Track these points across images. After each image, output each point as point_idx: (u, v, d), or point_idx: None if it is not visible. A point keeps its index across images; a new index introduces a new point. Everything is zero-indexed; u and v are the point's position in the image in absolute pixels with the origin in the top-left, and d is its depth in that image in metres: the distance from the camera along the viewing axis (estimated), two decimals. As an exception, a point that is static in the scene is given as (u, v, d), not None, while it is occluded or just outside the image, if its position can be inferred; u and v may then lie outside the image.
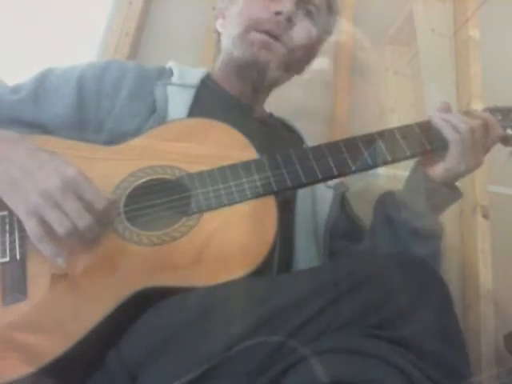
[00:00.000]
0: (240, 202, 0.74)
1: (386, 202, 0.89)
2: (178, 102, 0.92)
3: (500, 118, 0.89)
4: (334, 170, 0.78)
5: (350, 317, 0.56)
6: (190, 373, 0.54)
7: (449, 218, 0.88)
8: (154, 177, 0.77)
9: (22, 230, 0.69)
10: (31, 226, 0.65)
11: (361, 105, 1.45)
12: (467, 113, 0.88)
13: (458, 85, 1.49)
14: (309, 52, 1.03)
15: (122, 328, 0.62)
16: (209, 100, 0.97)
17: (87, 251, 0.69)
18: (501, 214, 1.35)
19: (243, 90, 1.00)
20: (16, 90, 0.91)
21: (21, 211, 0.66)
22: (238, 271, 0.67)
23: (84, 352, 0.62)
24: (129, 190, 0.75)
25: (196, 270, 0.69)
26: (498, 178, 1.38)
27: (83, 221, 0.66)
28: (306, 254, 0.92)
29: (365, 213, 1.06)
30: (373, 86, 1.49)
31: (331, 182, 0.99)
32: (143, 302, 0.64)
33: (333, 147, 0.80)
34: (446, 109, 0.86)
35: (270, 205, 0.74)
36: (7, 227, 0.71)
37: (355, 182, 1.13)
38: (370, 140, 0.82)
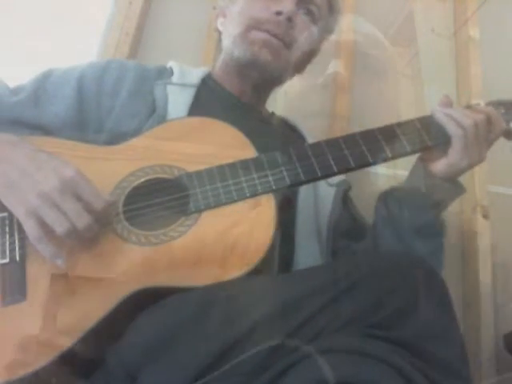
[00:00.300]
0: (239, 200, 0.74)
1: (387, 199, 0.89)
2: (177, 101, 0.92)
3: (503, 111, 0.88)
4: (334, 167, 0.78)
5: (348, 316, 0.56)
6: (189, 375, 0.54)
7: (449, 218, 0.88)
8: (153, 176, 0.77)
9: (21, 231, 0.69)
10: (30, 227, 0.66)
11: (361, 103, 1.45)
12: (469, 107, 0.88)
13: (458, 85, 1.49)
14: (310, 51, 1.03)
15: (120, 328, 0.62)
16: (209, 99, 0.97)
17: (86, 251, 0.69)
18: (501, 214, 1.35)
19: (244, 89, 1.00)
20: (16, 91, 0.91)
21: (20, 212, 0.67)
22: (237, 271, 0.67)
23: (82, 352, 0.62)
24: (128, 190, 0.75)
25: (194, 269, 0.69)
26: (498, 178, 1.38)
27: (82, 221, 0.66)
28: (308, 253, 0.92)
29: (368, 211, 1.06)
30: (373, 87, 1.49)
31: (333, 180, 0.99)
32: (142, 301, 0.64)
33: (332, 144, 0.80)
34: (448, 103, 0.86)
35: (268, 203, 0.74)
36: (7, 229, 0.71)
37: (358, 180, 1.13)
38: (369, 136, 0.81)
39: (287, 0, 0.94)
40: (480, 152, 0.81)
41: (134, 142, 0.82)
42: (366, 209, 1.06)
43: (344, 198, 1.01)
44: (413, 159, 0.88)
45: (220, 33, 1.06)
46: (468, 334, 1.23)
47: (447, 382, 0.53)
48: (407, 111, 1.43)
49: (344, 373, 0.50)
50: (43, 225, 0.65)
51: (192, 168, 0.77)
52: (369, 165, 0.80)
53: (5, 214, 0.71)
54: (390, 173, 1.30)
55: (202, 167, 0.77)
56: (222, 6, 1.06)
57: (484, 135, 0.81)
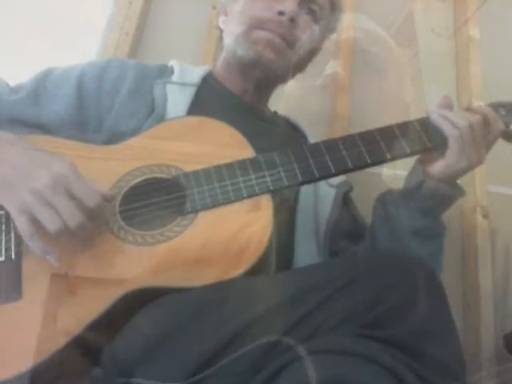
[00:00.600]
0: (236, 201, 0.74)
1: (385, 200, 0.88)
2: (177, 100, 0.91)
3: (504, 113, 0.87)
4: (332, 168, 0.78)
5: (342, 316, 0.56)
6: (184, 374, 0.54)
7: (449, 218, 0.88)
8: (151, 176, 0.77)
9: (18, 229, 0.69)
10: (21, 224, 0.66)
11: (362, 102, 1.45)
12: (468, 109, 0.87)
13: (458, 85, 1.49)
14: (311, 50, 1.03)
15: (116, 327, 0.63)
16: (210, 98, 0.97)
17: (80, 249, 0.69)
18: (501, 214, 1.35)
19: (246, 89, 1.00)
20: (16, 89, 0.91)
21: (12, 209, 0.67)
22: (233, 271, 0.67)
23: (77, 351, 0.63)
24: (125, 190, 0.75)
25: (191, 270, 0.69)
26: (498, 178, 1.38)
27: (74, 219, 0.66)
28: (307, 254, 0.92)
29: (367, 211, 1.06)
30: (373, 87, 1.49)
31: (334, 181, 0.98)
32: (137, 301, 0.64)
33: (331, 145, 0.80)
34: (447, 104, 0.85)
35: (265, 204, 0.74)
36: (3, 227, 0.71)
37: (357, 180, 1.13)
38: (368, 137, 0.81)
39: (289, 0, 0.94)
40: (478, 154, 0.81)
41: (132, 141, 0.82)
42: (365, 209, 1.06)
43: (345, 199, 1.00)
44: (412, 160, 0.88)
45: (221, 31, 1.06)
46: (468, 334, 1.23)
47: (441, 383, 0.53)
48: (407, 111, 1.43)
49: (336, 374, 0.50)
50: (35, 222, 0.65)
51: (189, 168, 0.77)
52: (367, 166, 0.80)
53: (1, 212, 0.72)
54: (389, 173, 1.30)
55: (199, 167, 0.77)
56: (223, 4, 1.06)
57: (481, 136, 0.81)
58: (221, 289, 0.63)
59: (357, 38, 1.52)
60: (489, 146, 0.84)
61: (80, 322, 0.63)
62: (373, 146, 0.79)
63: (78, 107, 0.89)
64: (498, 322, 1.21)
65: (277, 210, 0.74)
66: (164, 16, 1.50)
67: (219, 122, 0.82)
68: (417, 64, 1.51)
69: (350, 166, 0.78)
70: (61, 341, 0.62)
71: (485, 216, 1.31)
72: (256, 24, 0.94)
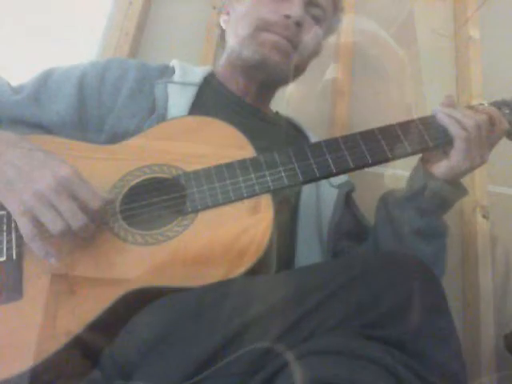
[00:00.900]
0: (236, 200, 0.73)
1: (388, 200, 0.88)
2: (178, 100, 0.91)
3: (507, 111, 0.87)
4: (332, 167, 0.77)
5: (342, 316, 0.56)
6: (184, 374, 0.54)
7: (449, 218, 0.88)
8: (151, 176, 0.77)
9: (19, 229, 0.69)
10: (24, 225, 0.66)
11: (362, 102, 1.45)
12: (471, 108, 0.87)
13: (458, 85, 1.49)
14: (314, 53, 1.03)
15: (115, 327, 0.63)
16: (211, 98, 0.97)
17: (81, 249, 0.69)
18: (501, 213, 1.35)
19: (249, 89, 1.00)
20: (18, 90, 0.91)
21: (14, 210, 0.67)
22: (234, 271, 0.67)
23: (77, 351, 0.63)
24: (125, 190, 0.75)
25: (190, 270, 0.69)
26: (498, 178, 1.38)
27: (77, 220, 0.66)
28: (309, 254, 0.91)
29: (367, 210, 1.06)
30: (373, 87, 1.49)
31: (336, 181, 0.99)
32: (138, 301, 0.64)
33: (332, 144, 0.79)
34: (450, 104, 0.85)
35: (266, 204, 0.74)
36: (5, 227, 0.71)
37: (357, 179, 1.13)
38: (370, 136, 0.80)
39: (295, 3, 0.94)
40: (482, 154, 0.81)
41: (133, 141, 0.82)
42: (365, 208, 1.06)
43: (347, 200, 1.01)
44: (414, 159, 0.88)
45: (222, 30, 1.06)
46: (468, 334, 1.23)
47: (441, 383, 0.53)
48: (407, 112, 1.43)
49: (335, 375, 0.49)
50: (37, 223, 0.66)
51: (190, 167, 0.77)
52: (368, 165, 0.79)
53: (3, 213, 0.72)
54: (389, 173, 1.30)
55: (200, 167, 0.77)
56: (224, 3, 1.06)
57: (486, 136, 0.80)
58: (221, 289, 0.63)
59: (356, 42, 1.52)
60: (492, 145, 0.84)
61: (80, 321, 0.63)
62: (374, 145, 0.79)
63: (80, 107, 0.89)
64: (498, 322, 1.21)
65: (278, 210, 0.74)
66: (164, 16, 1.50)
67: (220, 122, 0.82)
68: (417, 64, 1.51)
69: (351, 165, 0.78)
70: (61, 341, 0.62)
71: (485, 216, 1.31)
72: (263, 26, 0.94)
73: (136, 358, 0.58)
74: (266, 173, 0.76)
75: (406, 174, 0.91)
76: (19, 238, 0.69)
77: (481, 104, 0.89)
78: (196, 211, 0.73)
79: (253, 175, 0.75)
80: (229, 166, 0.76)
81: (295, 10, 0.93)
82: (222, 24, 1.05)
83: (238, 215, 0.73)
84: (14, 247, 0.70)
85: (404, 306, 0.56)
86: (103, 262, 0.69)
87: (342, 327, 0.55)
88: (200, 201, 0.73)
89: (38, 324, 0.64)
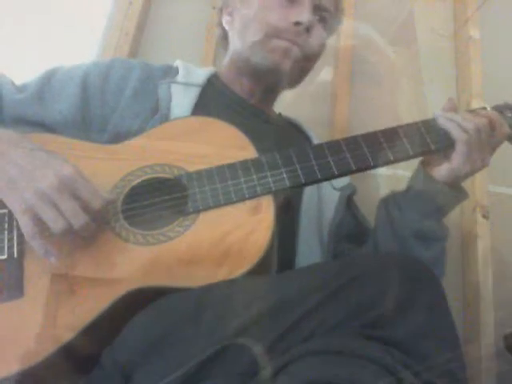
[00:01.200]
0: (237, 201, 0.73)
1: (388, 203, 0.88)
2: (181, 100, 0.92)
3: (510, 115, 0.87)
4: (334, 169, 0.77)
5: (341, 316, 0.56)
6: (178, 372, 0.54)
7: (449, 218, 0.88)
8: (153, 176, 0.77)
9: (20, 228, 0.69)
10: (25, 223, 0.66)
11: (361, 106, 1.45)
12: (472, 111, 0.87)
13: (458, 85, 1.49)
14: (319, 55, 1.03)
15: (116, 327, 0.63)
16: (214, 99, 0.97)
17: (83, 249, 0.69)
18: (501, 214, 1.35)
19: (253, 91, 1.00)
20: (21, 88, 0.92)
21: (16, 208, 0.67)
22: (234, 272, 0.67)
23: (77, 351, 0.63)
24: (127, 189, 0.75)
25: (191, 270, 0.69)
26: (498, 178, 1.38)
27: (79, 220, 0.66)
28: (309, 255, 0.92)
29: (367, 210, 1.06)
30: (373, 87, 1.49)
31: (338, 184, 0.99)
32: (138, 301, 0.64)
33: (334, 146, 0.79)
34: (452, 107, 0.85)
35: (268, 205, 0.74)
36: (6, 225, 0.72)
37: (357, 180, 1.13)
38: (371, 139, 0.80)
39: (304, 9, 0.94)
40: (483, 157, 0.81)
41: (135, 141, 0.82)
42: (365, 208, 1.06)
43: (348, 202, 1.01)
44: (415, 159, 0.88)
45: (224, 30, 1.06)
46: (468, 334, 1.23)
47: (441, 382, 0.53)
48: (407, 112, 1.43)
49: (335, 374, 0.49)
50: (38, 222, 0.66)
51: (192, 168, 0.77)
52: (370, 168, 0.79)
53: (4, 211, 0.72)
54: (389, 173, 1.30)
55: (202, 167, 0.77)
56: (227, 4, 1.05)
57: (487, 140, 0.81)
58: (221, 289, 0.63)
59: (355, 46, 1.52)
60: (493, 149, 0.84)
61: (81, 321, 0.63)
62: (376, 148, 0.79)
63: (83, 107, 0.89)
64: (498, 322, 1.22)
65: (280, 211, 0.74)
66: (164, 16, 1.50)
67: (223, 123, 0.82)
68: (417, 64, 1.51)
69: (353, 167, 0.78)
70: (62, 339, 0.62)
71: (485, 216, 1.31)
72: (273, 33, 0.93)
73: (136, 358, 0.58)
74: (268, 174, 0.76)
75: (407, 174, 0.91)
76: (20, 236, 0.70)
77: (483, 108, 0.89)
78: (197, 211, 0.73)
79: (254, 176, 0.75)
80: (231, 166, 0.76)
81: (305, 16, 0.93)
82: (225, 25, 1.05)
83: (240, 216, 0.73)
84: (15, 245, 0.70)
85: (404, 306, 0.56)
86: (104, 261, 0.69)
87: (341, 327, 0.55)
88: (201, 201, 0.73)
89: (38, 322, 0.65)
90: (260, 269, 0.68)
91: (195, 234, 0.71)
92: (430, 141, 0.81)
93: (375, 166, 0.80)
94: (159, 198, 0.75)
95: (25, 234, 0.67)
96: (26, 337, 0.64)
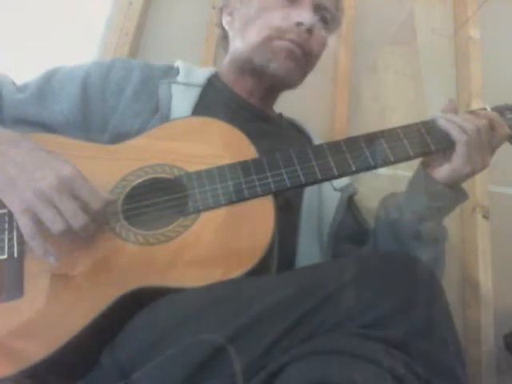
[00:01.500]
0: (238, 202, 0.73)
1: (388, 203, 0.88)
2: (182, 100, 0.91)
3: (510, 116, 0.87)
4: (335, 170, 0.77)
5: (341, 316, 0.56)
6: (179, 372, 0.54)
7: (449, 218, 0.88)
8: (153, 176, 0.77)
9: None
10: (24, 223, 0.66)
11: (360, 106, 1.45)
12: (472, 112, 0.87)
13: (458, 84, 1.49)
14: (321, 55, 1.03)
15: (115, 327, 0.63)
16: (215, 99, 0.97)
17: (83, 249, 0.69)
18: (501, 213, 1.35)
19: (255, 92, 1.00)
20: (22, 88, 0.92)
21: (15, 208, 0.67)
22: (234, 272, 0.67)
23: (77, 351, 0.63)
24: (127, 189, 0.75)
25: (191, 270, 0.69)
26: (498, 178, 1.38)
27: (78, 220, 0.66)
28: (309, 256, 0.91)
29: (366, 210, 1.06)
30: (372, 87, 1.49)
31: (339, 185, 0.99)
32: (137, 301, 0.64)
33: (334, 147, 0.79)
34: (452, 108, 0.85)
35: (267, 205, 0.74)
36: (6, 225, 0.72)
37: (357, 179, 1.13)
38: (372, 139, 0.80)
39: (306, 10, 0.94)
40: (483, 158, 0.81)
41: (135, 141, 0.82)
42: (365, 208, 1.06)
43: (349, 203, 1.01)
44: (414, 160, 0.88)
45: (224, 30, 1.06)
46: (468, 334, 1.23)
47: (441, 382, 0.53)
48: (407, 112, 1.43)
49: (334, 374, 0.50)
50: (38, 222, 0.66)
51: (192, 168, 0.77)
52: (371, 168, 0.79)
53: (5, 211, 0.72)
54: (390, 173, 1.30)
55: (202, 167, 0.76)
56: (227, 3, 1.05)
57: (487, 140, 0.80)
58: (221, 289, 0.63)
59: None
60: (493, 150, 0.84)
61: (81, 321, 0.63)
62: (376, 148, 0.79)
63: (83, 107, 0.89)
64: (498, 322, 1.22)
65: (281, 211, 0.74)
66: (164, 16, 1.50)
67: (223, 123, 0.82)
68: (417, 64, 1.51)
69: (353, 168, 0.78)
70: (61, 339, 0.62)
71: (485, 216, 1.31)
72: (276, 34, 0.93)
73: (136, 358, 0.58)
74: (268, 174, 0.76)
75: (407, 174, 0.91)
76: (21, 236, 0.69)
77: (483, 109, 0.89)
78: (198, 212, 0.73)
79: (255, 176, 0.75)
80: (231, 167, 0.76)
81: (307, 16, 0.93)
82: (225, 25, 1.05)
83: (240, 216, 0.73)
84: (15, 245, 0.70)
85: (404, 306, 0.56)
86: (104, 261, 0.69)
87: (341, 327, 0.55)
88: (202, 201, 0.73)
89: (38, 322, 0.65)
90: (260, 269, 0.68)
91: (195, 234, 0.71)
92: (430, 141, 0.81)
93: (375, 167, 0.79)
94: (159, 199, 0.75)
95: (24, 234, 0.67)
96: (26, 336, 0.64)
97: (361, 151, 0.79)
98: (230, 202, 0.73)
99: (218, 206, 0.73)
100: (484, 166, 0.82)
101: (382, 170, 1.30)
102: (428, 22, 1.54)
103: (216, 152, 0.79)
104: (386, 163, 0.80)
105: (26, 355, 0.61)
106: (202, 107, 0.92)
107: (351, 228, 0.98)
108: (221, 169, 0.76)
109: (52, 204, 0.66)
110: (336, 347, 0.53)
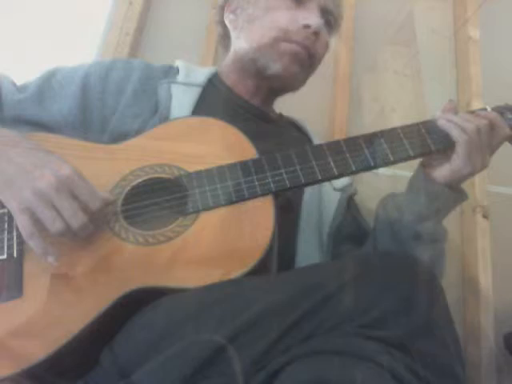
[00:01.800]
0: (237, 202, 0.73)
1: (388, 204, 0.88)
2: (181, 100, 0.91)
3: (510, 116, 0.86)
4: (335, 170, 0.77)
5: (341, 316, 0.56)
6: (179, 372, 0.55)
7: (449, 218, 0.88)
8: (153, 176, 0.77)
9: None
10: (22, 223, 0.66)
11: (360, 106, 1.45)
12: (472, 112, 0.87)
13: (458, 84, 1.49)
14: (323, 58, 1.03)
15: (115, 327, 0.63)
16: (215, 99, 0.96)
17: (83, 249, 0.69)
18: (501, 213, 1.35)
19: (257, 93, 1.00)
20: (22, 89, 0.92)
21: (13, 208, 0.67)
22: (234, 272, 0.67)
23: (77, 351, 0.63)
24: (127, 189, 0.75)
25: (191, 270, 0.69)
26: (498, 178, 1.38)
27: (77, 220, 0.66)
28: (309, 256, 0.91)
29: (366, 210, 1.06)
30: (372, 87, 1.49)
31: (339, 185, 0.98)
32: (137, 301, 0.64)
33: (334, 147, 0.79)
34: (452, 108, 0.85)
35: (267, 205, 0.73)
36: (6, 225, 0.72)
37: (356, 179, 1.13)
38: (372, 139, 0.80)
39: (313, 13, 0.94)
40: (483, 158, 0.80)
41: (135, 141, 0.82)
42: (365, 208, 1.06)
43: (348, 203, 1.01)
44: (414, 160, 0.88)
45: (224, 28, 1.05)
46: (468, 334, 1.23)
47: (441, 382, 0.53)
48: (407, 112, 1.43)
49: (333, 374, 0.50)
50: (36, 222, 0.66)
51: (192, 168, 0.77)
52: (370, 168, 0.79)
53: (4, 211, 0.72)
54: (389, 173, 1.30)
55: (202, 167, 0.76)
56: (230, 2, 1.04)
57: (487, 141, 0.80)
58: (221, 289, 0.63)
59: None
60: (493, 150, 0.84)
61: (80, 321, 0.63)
62: (376, 148, 0.79)
63: (83, 107, 0.89)
64: (498, 321, 1.22)
65: (280, 211, 0.74)
66: (164, 16, 1.50)
67: (223, 123, 0.82)
68: (417, 64, 1.51)
69: (353, 168, 0.78)
70: (61, 339, 0.62)
71: (485, 216, 1.31)
72: (283, 37, 0.93)
73: (136, 358, 0.59)
74: (268, 174, 0.76)
75: (407, 174, 0.91)
76: (20, 236, 0.69)
77: (483, 109, 0.89)
78: (197, 212, 0.73)
79: (255, 176, 0.75)
80: (231, 167, 0.76)
81: (314, 19, 0.93)
82: (228, 24, 1.04)
83: (239, 216, 0.73)
84: (15, 245, 0.70)
85: (403, 306, 0.56)
86: (103, 261, 0.69)
87: (341, 327, 0.55)
88: (201, 201, 0.73)
89: (37, 322, 0.64)
90: (260, 269, 0.68)
91: (195, 234, 0.71)
92: (430, 141, 0.81)
93: (375, 167, 0.79)
94: (159, 199, 0.75)
95: (23, 234, 0.67)
96: (25, 337, 0.64)
97: (361, 151, 0.79)
98: (230, 202, 0.73)
99: (217, 206, 0.73)
100: (484, 166, 0.81)
101: (382, 170, 1.30)
102: (428, 22, 1.54)
103: (216, 152, 0.79)
104: (386, 163, 0.79)
105: (26, 355, 0.61)
106: (202, 107, 0.92)
107: (351, 228, 0.98)
108: (221, 169, 0.76)
109: (51, 204, 0.65)
110: (336, 347, 0.53)
